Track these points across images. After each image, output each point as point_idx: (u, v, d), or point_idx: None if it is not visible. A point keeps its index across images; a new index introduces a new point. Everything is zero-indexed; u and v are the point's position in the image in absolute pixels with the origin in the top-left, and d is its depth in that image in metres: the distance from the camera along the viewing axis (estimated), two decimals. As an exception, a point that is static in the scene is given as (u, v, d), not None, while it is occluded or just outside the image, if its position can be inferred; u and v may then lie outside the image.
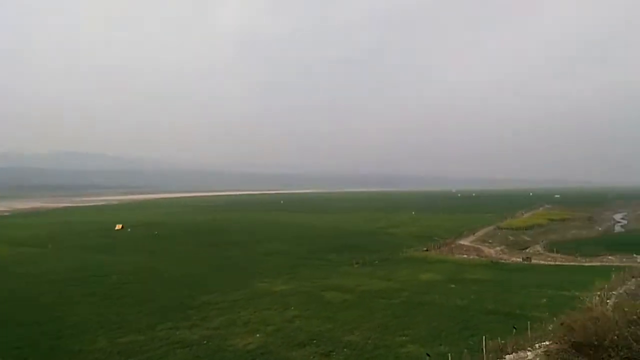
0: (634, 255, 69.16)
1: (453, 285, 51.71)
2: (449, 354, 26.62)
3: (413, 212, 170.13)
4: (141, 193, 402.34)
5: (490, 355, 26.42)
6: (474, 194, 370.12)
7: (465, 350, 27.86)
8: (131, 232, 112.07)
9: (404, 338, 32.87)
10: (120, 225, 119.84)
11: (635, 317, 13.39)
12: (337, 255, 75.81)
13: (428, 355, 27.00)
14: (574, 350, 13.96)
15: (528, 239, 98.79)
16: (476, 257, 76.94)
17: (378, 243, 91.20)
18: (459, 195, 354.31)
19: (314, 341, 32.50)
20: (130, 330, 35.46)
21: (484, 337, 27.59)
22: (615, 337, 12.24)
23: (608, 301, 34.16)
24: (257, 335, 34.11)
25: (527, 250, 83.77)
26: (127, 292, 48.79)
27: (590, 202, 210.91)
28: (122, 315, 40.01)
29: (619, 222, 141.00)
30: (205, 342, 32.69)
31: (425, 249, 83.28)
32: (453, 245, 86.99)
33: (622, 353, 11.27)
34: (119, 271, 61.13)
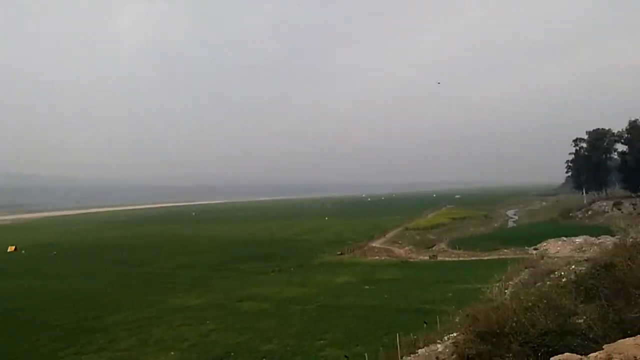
0: (526, 247, 75.58)
1: (367, 287, 53.27)
2: (365, 354, 27.36)
3: (326, 218, 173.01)
4: (36, 211, 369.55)
5: (404, 350, 27.53)
6: (383, 198, 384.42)
7: (381, 348, 28.78)
8: (26, 253, 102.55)
9: (321, 342, 33.25)
10: (13, 247, 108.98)
11: (530, 304, 14.53)
12: (252, 265, 75.00)
13: (346, 357, 27.53)
14: (479, 339, 14.85)
15: (433, 237, 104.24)
16: (387, 257, 79.85)
17: (292, 250, 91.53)
18: (369, 199, 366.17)
19: (232, 354, 31.83)
20: (27, 361, 32.43)
21: (397, 334, 28.71)
22: (514, 323, 13.20)
23: (506, 291, 37.02)
24: (172, 353, 32.72)
25: (433, 249, 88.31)
26: (22, 319, 44.53)
27: (486, 201, 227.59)
28: (16, 345, 36.43)
29: (511, 218, 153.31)
30: (114, 365, 30.77)
31: (339, 253, 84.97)
32: (365, 248, 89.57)
33: (520, 338, 12.21)
34: (11, 296, 55.65)
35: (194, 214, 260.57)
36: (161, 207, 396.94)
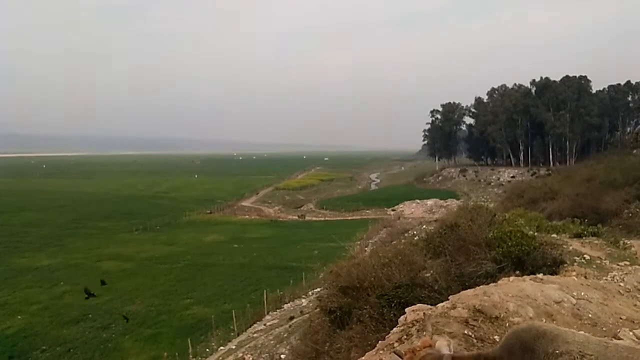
0: (385, 208, 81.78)
1: (236, 245, 53.57)
2: (233, 311, 27.83)
3: (196, 176, 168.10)
4: None
5: (271, 306, 28.59)
6: (254, 157, 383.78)
7: (248, 305, 29.49)
8: None
9: (188, 301, 32.99)
10: None
11: (386, 260, 15.68)
12: (114, 223, 70.57)
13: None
14: (340, 294, 15.78)
15: (302, 198, 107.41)
16: (257, 217, 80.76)
17: (159, 207, 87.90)
18: (240, 158, 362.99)
19: (89, 315, 30.19)
20: None
21: (264, 291, 29.61)
22: (373, 278, 14.21)
23: (366, 249, 39.96)
24: (19, 317, 29.99)
25: (302, 209, 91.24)
26: None
27: (352, 165, 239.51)
28: None
29: (374, 181, 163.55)
30: (-54, 334, 27.30)
31: (208, 211, 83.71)
32: (235, 207, 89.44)
33: (377, 292, 13.20)
34: None
35: (44, 166, 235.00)
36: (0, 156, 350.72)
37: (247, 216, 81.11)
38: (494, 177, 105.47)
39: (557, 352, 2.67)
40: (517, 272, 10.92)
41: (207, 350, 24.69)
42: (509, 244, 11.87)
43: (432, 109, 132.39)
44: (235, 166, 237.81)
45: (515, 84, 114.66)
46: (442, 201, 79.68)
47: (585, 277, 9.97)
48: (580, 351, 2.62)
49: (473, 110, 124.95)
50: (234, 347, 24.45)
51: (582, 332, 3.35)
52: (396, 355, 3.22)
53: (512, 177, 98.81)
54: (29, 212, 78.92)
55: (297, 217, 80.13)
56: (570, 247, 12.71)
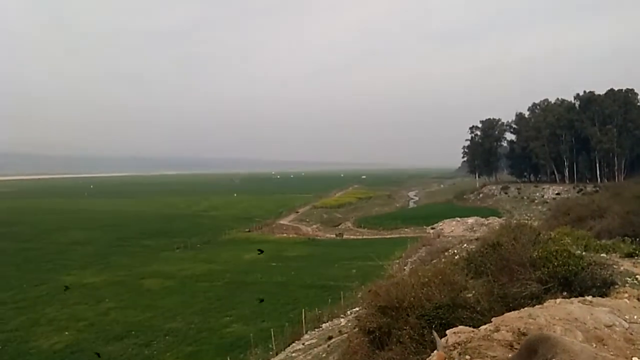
0: (424, 226, 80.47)
1: (274, 264, 53.80)
2: (272, 329, 27.81)
3: (235, 194, 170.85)
4: None
5: (309, 325, 28.42)
6: (292, 176, 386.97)
7: (287, 323, 29.43)
8: None
9: (227, 319, 33.26)
10: None
11: (426, 279, 15.37)
12: (156, 241, 72.36)
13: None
14: (379, 313, 15.54)
15: (340, 216, 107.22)
16: (295, 235, 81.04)
17: (199, 226, 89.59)
18: (278, 177, 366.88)
19: (132, 332, 30.85)
20: None
21: (303, 310, 29.50)
22: (412, 298, 13.92)
23: (405, 268, 39.32)
24: (66, 333, 30.97)
25: (340, 227, 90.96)
26: None
27: (389, 182, 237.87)
28: None
29: (412, 198, 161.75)
30: (0, 347, 28.46)
31: (247, 229, 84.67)
32: (274, 225, 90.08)
33: (417, 312, 12.94)
34: None
35: (91, 186, 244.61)
36: (51, 177, 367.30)
37: (285, 234, 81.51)
38: (537, 194, 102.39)
39: (553, 358, 3.18)
40: (564, 293, 10.50)
41: (246, 368, 24.75)
42: (555, 263, 11.45)
43: (471, 126, 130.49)
44: (273, 185, 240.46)
45: (557, 99, 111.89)
46: (483, 219, 77.75)
47: (639, 299, 9.47)
48: (571, 358, 3.13)
49: (514, 126, 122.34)
50: (272, 366, 24.41)
51: (583, 344, 3.72)
52: None
53: (557, 194, 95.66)
54: (76, 231, 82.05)
55: (334, 236, 79.86)
56: (622, 268, 12.14)
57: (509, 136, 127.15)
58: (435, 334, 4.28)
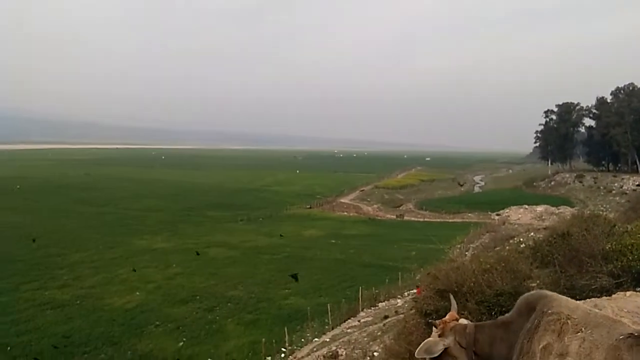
0: (489, 212, 77.92)
1: (334, 241, 54.40)
2: (328, 305, 28.29)
3: (297, 171, 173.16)
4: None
5: (366, 303, 28.62)
6: (354, 155, 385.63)
7: (343, 300, 29.80)
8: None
9: (286, 291, 34.15)
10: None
11: (488, 266, 14.98)
12: (221, 213, 75.20)
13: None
14: (437, 297, 15.38)
15: (401, 197, 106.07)
16: (355, 214, 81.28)
17: (262, 200, 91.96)
18: (341, 155, 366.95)
19: (197, 297, 32.44)
20: (-12, 294, 32.22)
21: (360, 288, 29.72)
22: (472, 284, 13.64)
23: (466, 253, 38.39)
24: (137, 293, 33.12)
25: (401, 208, 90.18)
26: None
27: (455, 166, 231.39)
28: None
29: (478, 183, 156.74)
30: (78, 302, 30.97)
31: (308, 206, 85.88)
32: (334, 203, 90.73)
33: (476, 297, 12.68)
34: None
35: (163, 157, 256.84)
36: (128, 147, 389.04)
37: (345, 213, 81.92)
38: (616, 184, 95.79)
39: (549, 311, 3.34)
40: (638, 289, 9.88)
41: (302, 340, 25.37)
42: (630, 257, 10.75)
43: (546, 109, 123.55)
44: (335, 163, 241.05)
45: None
46: (553, 208, 74.06)
47: None
48: (568, 315, 3.27)
49: (594, 111, 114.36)
50: (327, 339, 24.88)
51: (577, 302, 3.73)
52: (434, 326, 3.93)
53: (638, 185, 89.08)
54: (149, 199, 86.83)
55: (395, 217, 79.31)
56: None
57: (588, 122, 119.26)
58: (452, 296, 4.37)
